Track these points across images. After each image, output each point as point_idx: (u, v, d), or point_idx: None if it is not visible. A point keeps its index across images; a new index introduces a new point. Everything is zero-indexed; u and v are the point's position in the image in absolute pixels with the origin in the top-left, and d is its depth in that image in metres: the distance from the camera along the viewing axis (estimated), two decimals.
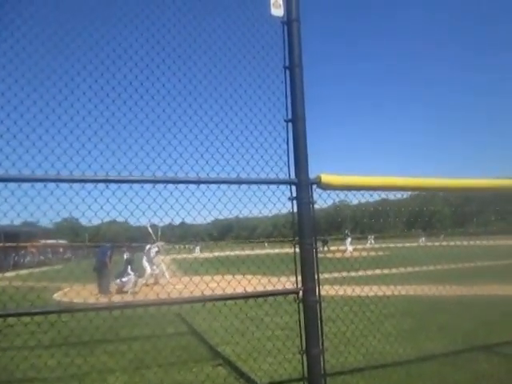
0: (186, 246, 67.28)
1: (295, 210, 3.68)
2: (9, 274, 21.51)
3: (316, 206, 3.79)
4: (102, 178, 3.22)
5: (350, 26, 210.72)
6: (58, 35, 3.34)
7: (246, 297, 3.64)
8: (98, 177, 3.21)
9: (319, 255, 3.75)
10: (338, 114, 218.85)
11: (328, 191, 4.06)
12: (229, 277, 4.21)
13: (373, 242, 45.92)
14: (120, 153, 3.45)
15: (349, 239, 36.22)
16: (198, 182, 3.50)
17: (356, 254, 26.84)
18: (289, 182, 3.70)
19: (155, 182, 3.39)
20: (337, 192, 4.19)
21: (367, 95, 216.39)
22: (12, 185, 3.04)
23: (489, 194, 5.59)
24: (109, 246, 16.09)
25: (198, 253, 48.78)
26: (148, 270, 15.91)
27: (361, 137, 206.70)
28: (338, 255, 23.88)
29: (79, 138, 3.32)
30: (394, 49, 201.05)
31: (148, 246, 17.00)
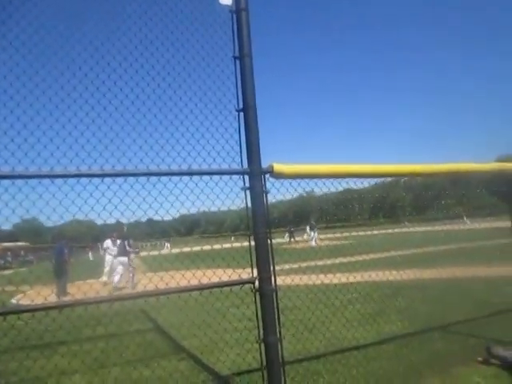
0: (155, 244, 66.58)
1: (249, 200, 3.67)
2: None
3: (280, 197, 3.79)
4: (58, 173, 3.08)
5: None
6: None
7: (201, 288, 3.61)
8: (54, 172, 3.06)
9: (285, 246, 3.75)
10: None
11: (289, 181, 4.07)
12: (184, 271, 4.17)
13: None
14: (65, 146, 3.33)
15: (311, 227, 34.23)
16: (147, 175, 3.42)
17: (319, 242, 27.15)
18: (241, 172, 3.68)
19: (103, 175, 3.29)
20: (298, 181, 4.18)
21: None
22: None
23: (447, 180, 5.68)
24: (64, 243, 15.23)
25: (167, 249, 48.46)
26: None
27: None
28: (301, 245, 24.17)
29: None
30: None
31: (108, 243, 16.33)
